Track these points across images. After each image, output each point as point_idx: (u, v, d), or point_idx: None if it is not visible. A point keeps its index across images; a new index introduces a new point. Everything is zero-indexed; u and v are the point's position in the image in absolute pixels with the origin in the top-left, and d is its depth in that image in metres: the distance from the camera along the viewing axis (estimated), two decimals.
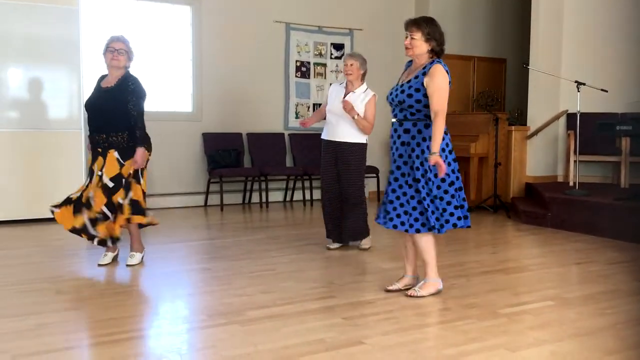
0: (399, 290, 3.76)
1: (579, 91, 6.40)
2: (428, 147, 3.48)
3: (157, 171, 7.53)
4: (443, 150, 3.51)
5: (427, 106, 3.50)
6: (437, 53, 3.56)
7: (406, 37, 3.56)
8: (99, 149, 4.36)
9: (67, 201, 4.40)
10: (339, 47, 8.73)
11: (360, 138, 5.02)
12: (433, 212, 3.53)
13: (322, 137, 5.14)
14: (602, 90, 6.57)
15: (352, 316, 3.31)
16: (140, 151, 4.31)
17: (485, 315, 3.33)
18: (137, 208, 4.36)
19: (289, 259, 4.74)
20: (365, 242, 5.16)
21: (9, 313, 3.34)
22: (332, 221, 5.12)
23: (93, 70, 7.16)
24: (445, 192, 3.55)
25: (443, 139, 3.49)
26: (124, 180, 4.31)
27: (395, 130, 3.64)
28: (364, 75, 5.12)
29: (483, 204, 7.30)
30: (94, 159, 4.40)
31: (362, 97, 4.99)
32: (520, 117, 8.56)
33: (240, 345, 2.86)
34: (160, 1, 7.57)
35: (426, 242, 3.64)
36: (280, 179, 8.24)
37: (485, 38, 9.65)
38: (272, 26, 8.23)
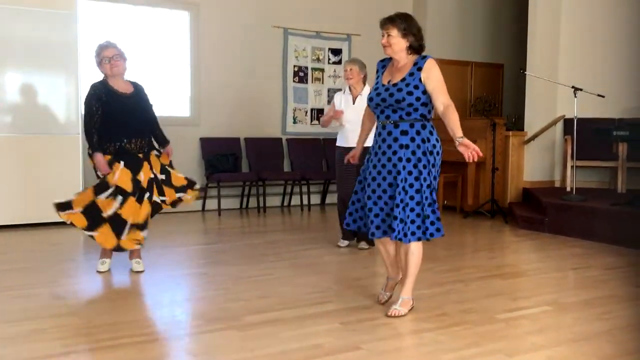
0: (391, 297, 3.66)
1: (576, 96, 6.42)
2: (428, 149, 3.35)
3: None
4: (431, 153, 3.37)
5: (424, 104, 3.36)
6: (415, 49, 3.39)
7: (383, 36, 3.41)
8: (140, 154, 4.32)
9: (100, 220, 4.20)
10: (336, 52, 8.74)
11: None
12: (428, 217, 3.36)
13: (340, 144, 5.25)
14: (599, 95, 6.59)
15: (350, 321, 3.30)
16: (171, 146, 4.64)
17: (483, 321, 3.33)
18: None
19: (287, 264, 4.74)
20: (364, 244, 5.26)
21: (5, 318, 3.33)
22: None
23: (90, 75, 7.18)
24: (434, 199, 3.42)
25: (438, 140, 3.43)
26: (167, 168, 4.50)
27: (390, 133, 3.39)
28: (364, 78, 5.24)
29: (480, 209, 7.30)
30: (135, 168, 4.24)
31: None
32: (517, 123, 8.57)
33: (237, 351, 2.86)
34: (158, 6, 7.58)
35: (419, 253, 3.43)
36: (278, 183, 8.24)
37: (482, 44, 9.67)
38: (270, 31, 8.25)
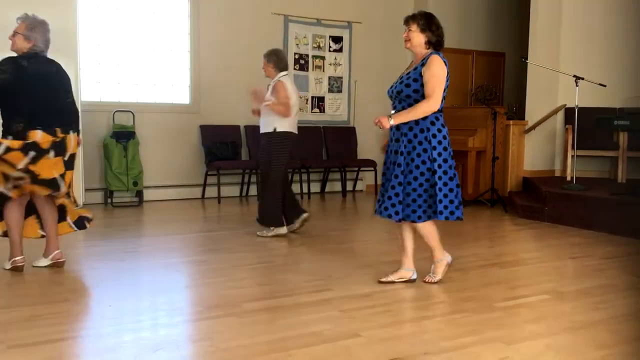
0: (392, 282, 3.78)
1: (577, 86, 6.40)
2: (427, 139, 3.57)
3: (154, 163, 7.53)
4: (440, 142, 3.59)
5: (424, 96, 3.56)
6: (434, 45, 3.63)
7: (405, 31, 3.70)
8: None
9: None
10: (337, 39, 8.71)
11: None
12: (441, 201, 3.58)
13: (291, 130, 5.35)
14: (600, 84, 6.57)
15: (349, 309, 3.31)
16: None
17: (482, 309, 3.34)
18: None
19: (286, 252, 4.75)
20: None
21: (2, 304, 3.34)
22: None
23: (91, 62, 7.16)
24: (445, 184, 3.61)
25: (440, 131, 3.59)
26: None
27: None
28: (275, 66, 5.34)
29: (480, 198, 7.30)
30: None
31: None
32: (518, 111, 8.56)
33: (236, 337, 2.87)
34: None
35: (428, 228, 3.72)
36: None
37: (484, 32, 9.63)
38: (271, 18, 8.21)
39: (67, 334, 2.90)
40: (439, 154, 3.58)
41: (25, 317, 3.12)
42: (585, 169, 7.28)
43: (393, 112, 3.66)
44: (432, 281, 3.79)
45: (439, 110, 3.60)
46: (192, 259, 4.61)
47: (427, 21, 3.61)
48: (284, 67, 5.38)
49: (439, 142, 3.59)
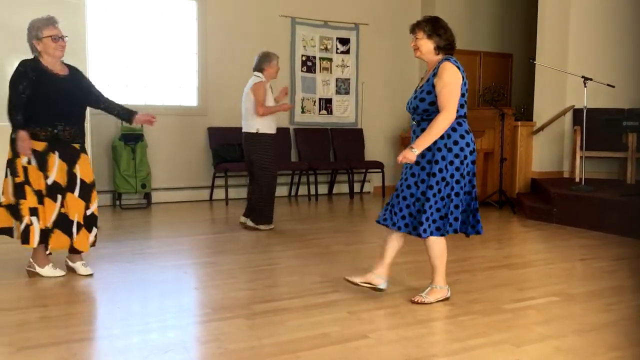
0: (355, 284, 3.57)
1: (585, 86, 6.37)
2: (441, 146, 3.34)
3: (162, 165, 7.56)
4: (462, 149, 3.35)
5: (439, 109, 3.35)
6: (444, 49, 3.42)
7: (412, 41, 3.51)
8: (76, 145, 3.95)
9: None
10: (344, 41, 8.71)
11: None
12: (452, 214, 3.39)
13: (271, 132, 5.64)
14: (608, 85, 6.54)
15: (357, 310, 3.31)
16: (145, 114, 4.29)
17: (490, 311, 3.33)
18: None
19: (294, 254, 4.75)
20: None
21: (12, 306, 3.36)
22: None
23: (99, 64, 7.20)
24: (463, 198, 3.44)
25: (463, 137, 3.35)
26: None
27: (414, 132, 3.47)
28: (259, 68, 5.88)
29: (488, 200, 7.28)
30: (72, 160, 3.91)
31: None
32: (526, 113, 8.54)
33: (245, 339, 2.87)
34: None
35: (440, 246, 3.46)
36: (285, 173, 8.24)
37: (491, 33, 9.61)
38: (278, 21, 8.22)
39: (76, 335, 2.91)
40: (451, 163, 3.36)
41: (35, 318, 3.14)
42: (594, 170, 7.25)
43: (413, 123, 3.48)
44: (422, 301, 3.45)
45: (461, 116, 3.39)
46: (200, 260, 4.62)
47: (433, 26, 3.41)
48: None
49: (461, 150, 3.37)
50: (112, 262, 4.43)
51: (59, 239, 3.90)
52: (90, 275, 4.00)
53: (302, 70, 8.43)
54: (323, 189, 8.56)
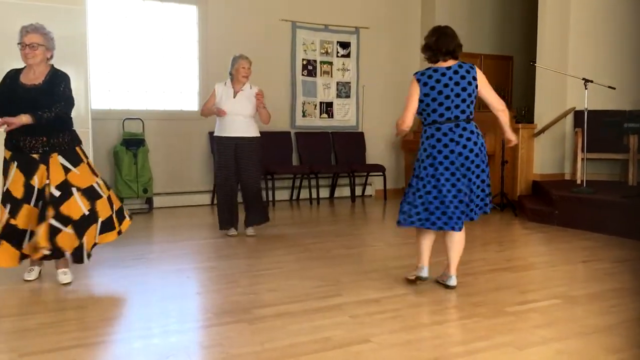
0: (416, 279, 3.85)
1: (586, 88, 6.37)
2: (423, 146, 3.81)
3: (164, 170, 7.57)
4: (425, 150, 3.79)
5: (420, 112, 3.85)
6: (429, 59, 3.86)
7: None
8: (35, 155, 3.79)
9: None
10: (345, 45, 8.72)
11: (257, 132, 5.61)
12: (472, 204, 3.83)
13: (219, 134, 5.50)
14: (609, 87, 6.54)
15: (359, 314, 3.31)
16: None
17: (492, 313, 3.33)
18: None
19: (296, 258, 4.75)
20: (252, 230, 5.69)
21: (13, 312, 3.36)
22: (230, 210, 5.66)
23: (100, 70, 7.22)
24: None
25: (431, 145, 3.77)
26: (73, 188, 3.85)
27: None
28: (229, 71, 5.71)
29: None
30: (28, 171, 3.78)
31: (252, 92, 5.53)
32: (527, 115, 8.53)
33: (247, 344, 2.87)
34: (166, 1, 7.59)
35: (458, 238, 3.83)
36: (286, 177, 8.25)
37: (491, 36, 9.62)
38: (278, 25, 8.24)
39: (77, 341, 2.91)
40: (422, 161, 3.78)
41: (36, 325, 3.14)
42: (595, 172, 7.25)
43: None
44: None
45: (428, 124, 3.78)
46: (202, 265, 4.63)
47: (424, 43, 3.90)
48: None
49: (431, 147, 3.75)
50: (114, 266, 4.43)
51: (5, 253, 3.76)
52: (69, 283, 3.93)
53: (302, 74, 8.44)
54: (324, 193, 8.56)
